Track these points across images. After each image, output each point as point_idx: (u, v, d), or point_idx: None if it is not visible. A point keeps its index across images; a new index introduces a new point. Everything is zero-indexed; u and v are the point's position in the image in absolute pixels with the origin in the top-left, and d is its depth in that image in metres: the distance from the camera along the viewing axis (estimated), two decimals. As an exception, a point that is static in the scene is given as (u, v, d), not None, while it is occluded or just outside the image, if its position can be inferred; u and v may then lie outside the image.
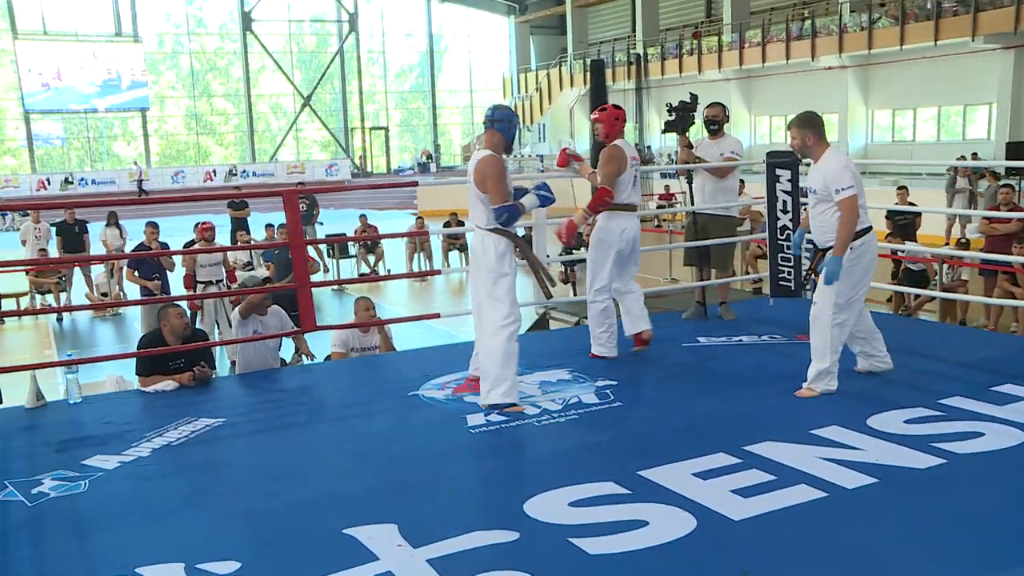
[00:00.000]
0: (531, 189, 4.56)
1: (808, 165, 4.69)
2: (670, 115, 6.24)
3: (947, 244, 13.78)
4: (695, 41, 28.02)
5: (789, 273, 6.28)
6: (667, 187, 21.41)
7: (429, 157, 37.40)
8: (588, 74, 26.23)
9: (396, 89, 39.78)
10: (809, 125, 4.40)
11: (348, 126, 37.91)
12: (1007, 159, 17.09)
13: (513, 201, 4.41)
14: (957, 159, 18.49)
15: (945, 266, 9.71)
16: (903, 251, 9.77)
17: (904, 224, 10.99)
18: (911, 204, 11.47)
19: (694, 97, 6.21)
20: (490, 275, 4.42)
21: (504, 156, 4.47)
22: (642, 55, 29.40)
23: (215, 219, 10.34)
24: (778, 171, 6.29)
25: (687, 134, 6.21)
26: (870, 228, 4.43)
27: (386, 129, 38.23)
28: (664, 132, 6.36)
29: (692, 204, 6.47)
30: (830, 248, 4.34)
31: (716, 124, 6.28)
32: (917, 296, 9.19)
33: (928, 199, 15.31)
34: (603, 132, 5.22)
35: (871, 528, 2.99)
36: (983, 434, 3.84)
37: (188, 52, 35.71)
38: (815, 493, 3.27)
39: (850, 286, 4.41)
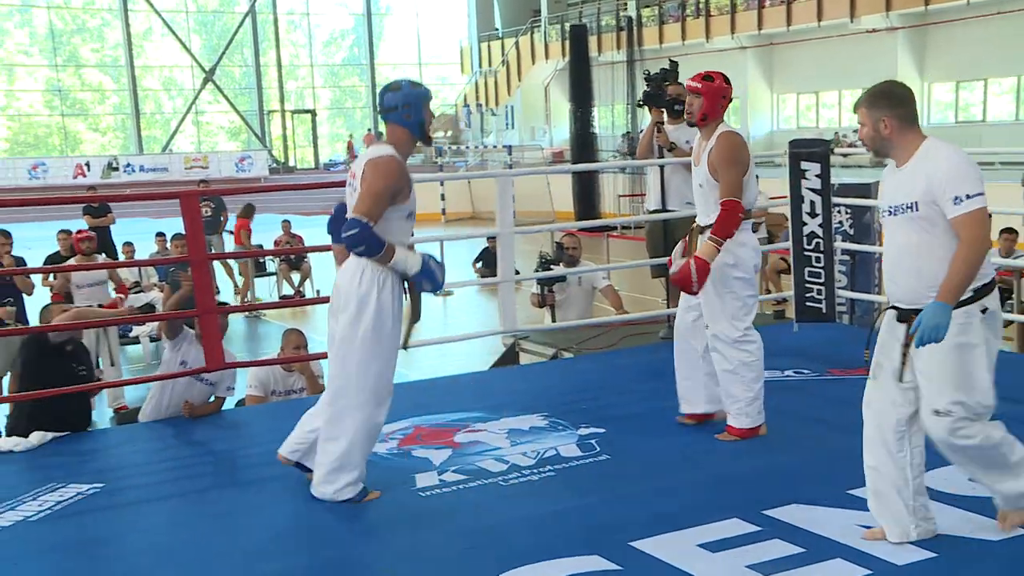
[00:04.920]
0: (420, 253, 4.11)
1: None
2: (648, 86, 6.45)
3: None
4: (702, -1, 28.40)
5: (819, 292, 6.39)
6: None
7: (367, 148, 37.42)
8: (567, 43, 26.48)
9: (325, 62, 39.84)
10: (887, 102, 3.43)
11: (264, 108, 37.84)
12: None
13: (390, 238, 3.95)
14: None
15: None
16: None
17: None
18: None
19: (675, 64, 6.47)
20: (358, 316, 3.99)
21: (416, 148, 4.17)
22: (635, 18, 29.77)
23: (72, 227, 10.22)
24: (804, 164, 6.40)
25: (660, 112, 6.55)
26: (994, 283, 3.35)
27: (313, 112, 38.20)
28: (641, 106, 6.57)
29: (662, 201, 6.62)
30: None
31: (681, 104, 6.48)
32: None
33: (1002, 195, 15.49)
34: (700, 111, 4.68)
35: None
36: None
37: (45, 4, 35.21)
38: (855, 570, 3.31)
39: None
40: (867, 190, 7.40)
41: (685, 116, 4.85)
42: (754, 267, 4.74)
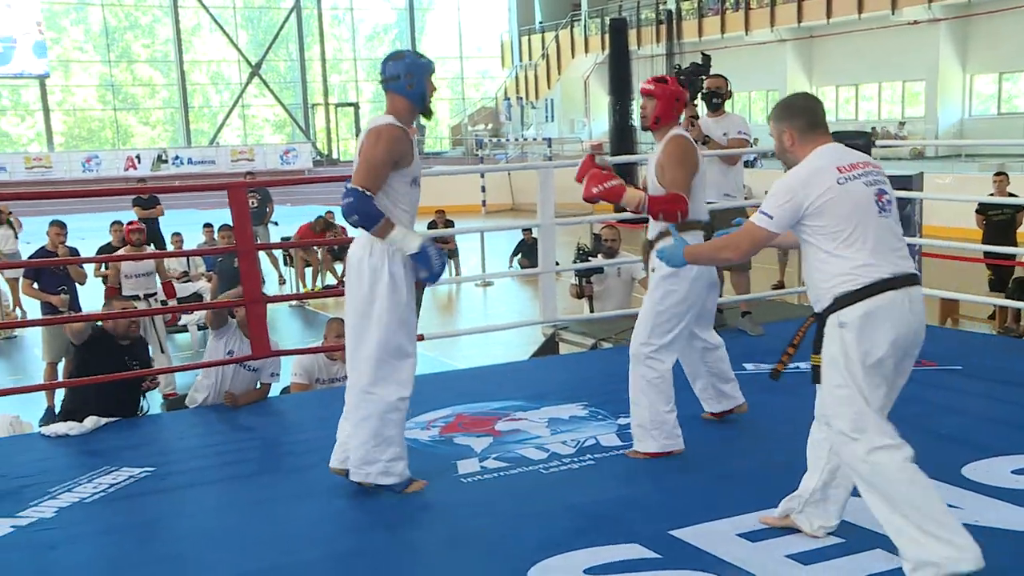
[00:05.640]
0: (421, 235, 3.94)
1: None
2: (679, 80, 6.46)
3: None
4: (741, -8, 28.17)
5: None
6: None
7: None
8: (607, 37, 26.37)
9: (368, 56, 39.96)
10: (787, 114, 3.35)
11: (308, 102, 38.12)
12: None
13: (398, 211, 3.88)
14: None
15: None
16: (995, 255, 9.77)
17: (1002, 220, 10.97)
18: (1011, 195, 11.46)
19: (707, 58, 6.47)
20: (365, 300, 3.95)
21: (415, 123, 4.00)
22: (674, 12, 29.57)
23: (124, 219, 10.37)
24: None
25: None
26: (863, 294, 3.11)
27: (356, 105, 38.39)
28: None
29: None
30: (826, 313, 3.18)
31: (720, 98, 6.50)
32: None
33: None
34: (653, 114, 4.42)
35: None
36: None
37: (100, 2, 35.74)
38: (895, 561, 3.25)
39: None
40: (908, 182, 7.30)
41: (640, 120, 4.62)
42: (689, 286, 4.30)
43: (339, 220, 15.68)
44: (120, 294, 8.94)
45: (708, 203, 6.59)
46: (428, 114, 4.06)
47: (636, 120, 24.41)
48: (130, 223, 9.11)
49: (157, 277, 9.41)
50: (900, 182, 7.33)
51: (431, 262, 3.88)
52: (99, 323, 5.72)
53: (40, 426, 5.90)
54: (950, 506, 3.65)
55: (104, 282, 9.56)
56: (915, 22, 24.33)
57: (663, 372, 4.36)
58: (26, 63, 33.76)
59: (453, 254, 15.85)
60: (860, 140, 6.38)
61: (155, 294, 9.34)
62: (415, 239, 3.85)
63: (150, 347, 8.57)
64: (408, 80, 3.89)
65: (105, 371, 5.36)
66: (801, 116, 3.33)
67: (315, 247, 14.95)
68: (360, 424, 3.96)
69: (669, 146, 4.35)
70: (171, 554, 3.69)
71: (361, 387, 3.95)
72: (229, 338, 5.71)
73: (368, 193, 3.78)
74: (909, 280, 3.15)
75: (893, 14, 24.04)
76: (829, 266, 3.14)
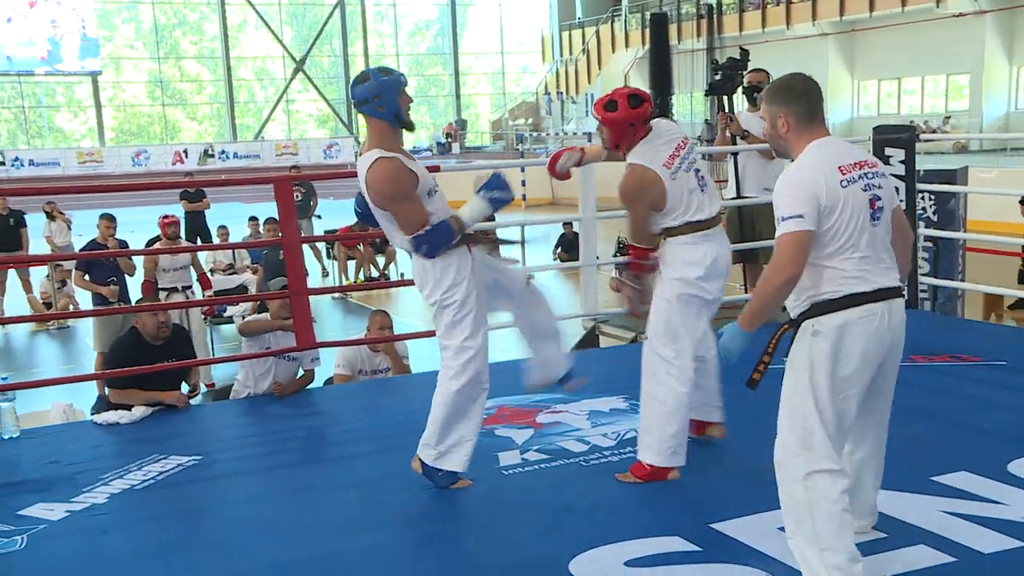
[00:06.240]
0: (477, 189, 3.89)
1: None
2: (715, 75, 6.40)
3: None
4: (783, -14, 27.89)
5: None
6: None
7: (451, 136, 37.63)
8: (647, 31, 26.20)
9: (410, 52, 40.14)
10: (784, 97, 3.04)
11: (351, 97, 38.33)
12: None
13: (437, 221, 3.79)
14: None
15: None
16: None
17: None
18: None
19: (744, 53, 6.40)
20: (434, 307, 3.93)
21: (398, 138, 3.87)
22: (715, 6, 29.33)
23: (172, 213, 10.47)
24: (888, 151, 6.27)
25: (726, 106, 6.53)
26: (856, 298, 2.95)
27: (397, 100, 38.46)
28: (708, 95, 6.55)
29: (737, 191, 6.59)
30: (801, 318, 3.01)
31: (760, 92, 6.45)
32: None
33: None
34: (611, 141, 4.10)
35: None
36: None
37: (150, 1, 36.26)
38: (939, 557, 3.23)
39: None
40: (953, 176, 7.21)
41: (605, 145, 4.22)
42: (700, 278, 4.00)
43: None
44: (156, 288, 9.06)
45: (747, 197, 6.62)
46: (409, 128, 3.89)
47: (676, 115, 24.28)
48: (165, 216, 9.14)
49: (193, 271, 9.50)
50: (944, 176, 7.26)
51: (502, 199, 3.89)
52: (133, 323, 5.77)
53: (92, 414, 5.99)
54: (995, 502, 3.62)
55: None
56: (960, 14, 23.93)
57: (677, 384, 4.01)
58: (80, 61, 34.34)
59: (494, 247, 15.86)
60: (904, 134, 6.28)
61: (191, 287, 9.44)
62: (480, 204, 3.84)
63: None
64: (377, 102, 3.75)
65: (141, 364, 5.42)
66: (800, 101, 3.01)
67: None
68: (435, 407, 3.97)
69: (624, 181, 4.03)
70: (216, 541, 3.74)
71: (441, 376, 3.97)
72: (269, 333, 5.76)
73: (422, 228, 3.74)
74: (892, 293, 2.99)
75: (938, 7, 23.71)
76: (814, 272, 2.93)
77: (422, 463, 4.02)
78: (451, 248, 3.82)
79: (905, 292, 4.14)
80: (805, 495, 2.92)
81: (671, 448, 3.98)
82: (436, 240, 3.77)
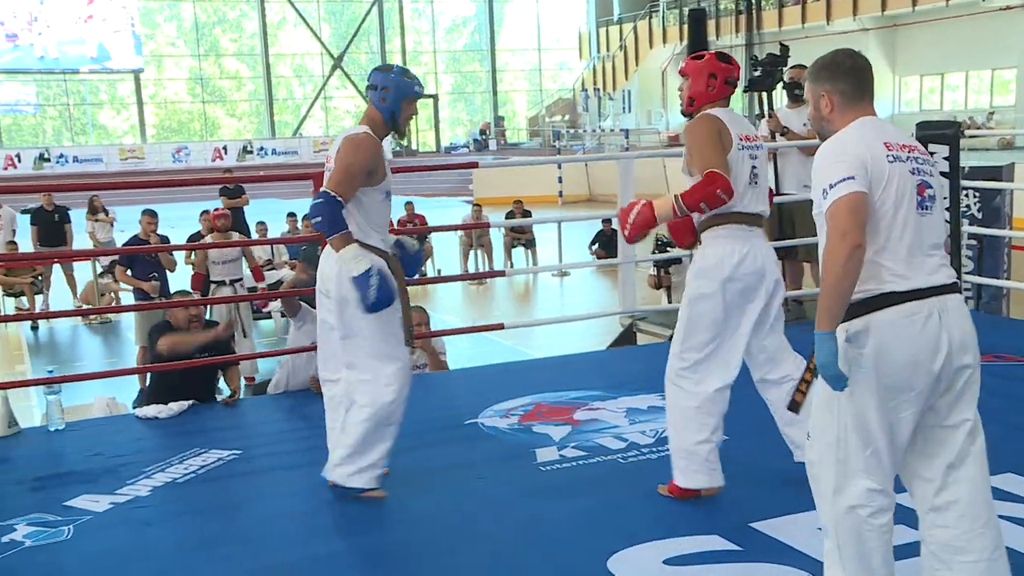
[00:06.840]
0: (374, 266, 3.71)
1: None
2: (755, 71, 6.35)
3: None
4: (823, -19, 27.61)
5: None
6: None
7: (487, 132, 37.67)
8: (685, 27, 26.05)
9: (447, 48, 40.23)
10: (829, 75, 2.75)
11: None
12: None
13: (370, 220, 3.80)
14: None
15: None
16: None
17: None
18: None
19: (784, 49, 6.36)
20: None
21: (391, 137, 3.94)
22: (754, 1, 29.08)
23: (212, 208, 10.57)
24: (931, 147, 6.17)
25: (766, 103, 6.51)
26: (899, 296, 2.58)
27: (435, 97, 38.66)
28: (747, 91, 6.51)
29: (776, 185, 6.55)
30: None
31: (801, 89, 6.40)
32: None
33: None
34: (687, 95, 3.88)
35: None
36: None
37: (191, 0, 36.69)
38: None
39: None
40: (998, 173, 7.11)
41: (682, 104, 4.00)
42: (722, 283, 3.71)
43: (419, 209, 15.84)
44: (207, 281, 9.16)
45: (786, 194, 6.56)
46: (399, 133, 3.94)
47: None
48: (216, 210, 9.24)
49: (244, 263, 9.59)
50: (990, 172, 7.16)
51: (367, 292, 3.65)
52: (166, 317, 5.85)
53: (133, 407, 6.07)
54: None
55: (192, 268, 9.80)
56: (1007, 8, 23.54)
57: (697, 394, 3.79)
58: (123, 59, 34.80)
59: (530, 244, 15.86)
60: (948, 130, 6.19)
61: (241, 280, 9.52)
62: (364, 263, 3.66)
63: (234, 331, 8.76)
64: (383, 94, 3.85)
65: (177, 359, 5.50)
66: (847, 79, 2.71)
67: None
68: (349, 426, 3.93)
69: (691, 126, 3.79)
70: (256, 535, 3.77)
71: (354, 394, 3.98)
72: (309, 326, 5.77)
73: (340, 199, 3.68)
74: (943, 290, 2.60)
75: (983, 0, 23.31)
76: None
77: None
78: (327, 239, 3.72)
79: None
80: (848, 531, 2.67)
81: (694, 467, 3.76)
82: (332, 215, 3.65)
